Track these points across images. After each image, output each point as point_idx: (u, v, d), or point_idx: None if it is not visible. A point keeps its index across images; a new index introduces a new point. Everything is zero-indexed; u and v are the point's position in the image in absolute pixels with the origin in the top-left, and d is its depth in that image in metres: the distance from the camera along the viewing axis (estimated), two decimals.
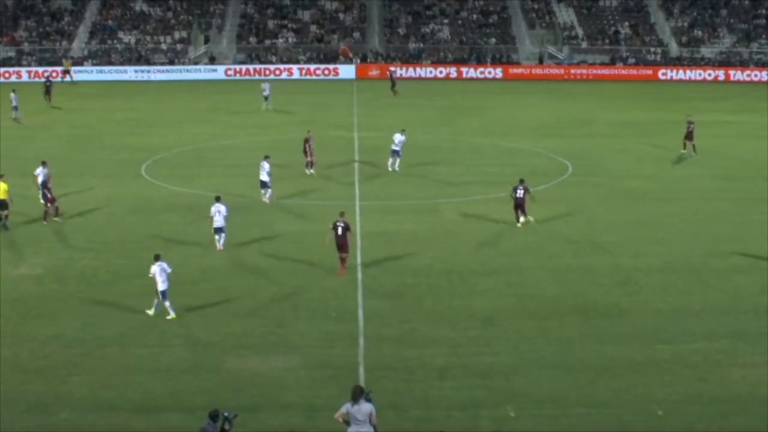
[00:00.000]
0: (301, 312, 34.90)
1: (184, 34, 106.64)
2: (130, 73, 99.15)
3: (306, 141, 55.60)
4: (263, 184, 49.34)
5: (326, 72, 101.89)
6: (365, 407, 23.00)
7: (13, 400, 28.43)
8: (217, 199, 42.08)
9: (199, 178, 53.71)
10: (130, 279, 38.50)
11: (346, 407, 23.07)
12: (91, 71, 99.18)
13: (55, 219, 46.19)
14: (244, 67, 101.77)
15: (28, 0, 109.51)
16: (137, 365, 30.77)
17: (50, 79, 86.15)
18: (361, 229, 44.86)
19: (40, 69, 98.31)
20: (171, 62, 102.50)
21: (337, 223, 39.12)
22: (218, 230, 41.75)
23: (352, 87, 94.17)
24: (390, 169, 56.75)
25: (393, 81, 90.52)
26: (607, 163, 59.93)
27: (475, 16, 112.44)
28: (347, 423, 23.09)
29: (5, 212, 45.52)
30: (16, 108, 73.46)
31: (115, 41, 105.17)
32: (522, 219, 45.74)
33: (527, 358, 31.04)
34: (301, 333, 32.97)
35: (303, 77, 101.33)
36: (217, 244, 41.86)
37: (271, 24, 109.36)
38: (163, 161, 59.13)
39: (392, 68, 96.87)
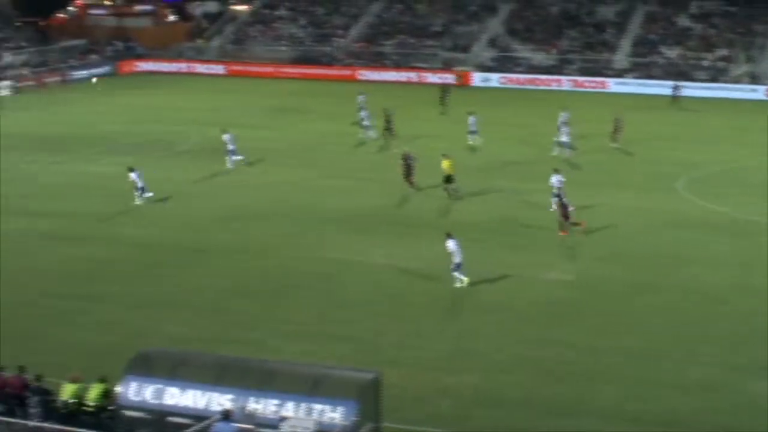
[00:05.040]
0: None
1: (725, 51, 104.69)
2: (669, 88, 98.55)
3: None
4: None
5: None
6: None
7: (536, 402, 29.19)
8: (449, 236, 39.28)
9: (733, 197, 52.45)
10: (655, 293, 38.76)
11: None
12: (631, 84, 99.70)
13: (574, 226, 46.02)
14: None
15: (573, 11, 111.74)
16: (663, 379, 30.88)
17: (446, 86, 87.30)
18: None
19: (580, 78, 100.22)
20: (713, 79, 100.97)
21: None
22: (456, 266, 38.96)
23: None
24: None
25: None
26: None
27: None
28: None
29: (453, 185, 51.44)
30: (363, 109, 71.10)
31: (656, 55, 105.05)
32: None
33: None
34: None
35: None
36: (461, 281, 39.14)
37: None
38: (698, 178, 58.24)
39: None
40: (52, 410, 26.75)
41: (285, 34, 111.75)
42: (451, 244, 38.89)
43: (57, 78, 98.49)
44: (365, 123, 68.38)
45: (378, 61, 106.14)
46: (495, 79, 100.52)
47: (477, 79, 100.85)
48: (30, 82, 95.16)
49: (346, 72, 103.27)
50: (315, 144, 66.97)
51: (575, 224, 45.60)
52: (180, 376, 25.55)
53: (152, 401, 25.31)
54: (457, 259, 38.79)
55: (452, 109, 76.53)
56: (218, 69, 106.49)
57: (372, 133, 67.91)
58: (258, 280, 40.33)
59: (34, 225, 47.66)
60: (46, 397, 26.90)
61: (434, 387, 30.22)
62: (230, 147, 59.17)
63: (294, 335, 34.34)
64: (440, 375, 31.09)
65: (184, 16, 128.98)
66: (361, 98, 72.38)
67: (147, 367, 25.98)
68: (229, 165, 58.83)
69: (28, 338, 33.90)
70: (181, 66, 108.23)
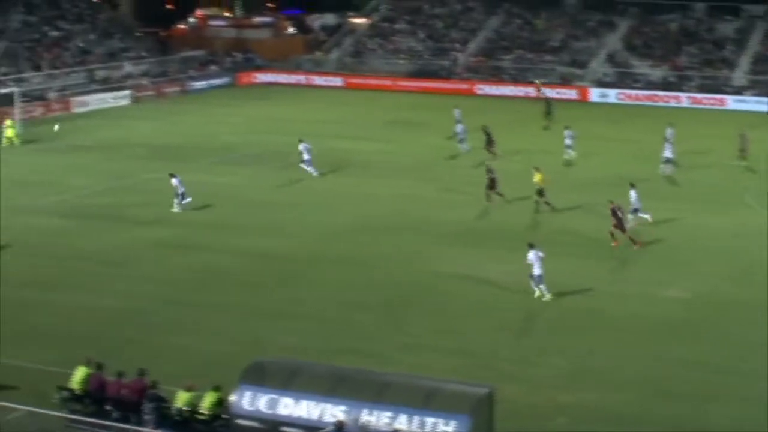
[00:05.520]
0: None
1: None
2: None
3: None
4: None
5: None
6: None
7: (653, 421, 28.97)
8: (531, 246, 39.45)
9: None
10: None
11: None
12: (750, 101, 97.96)
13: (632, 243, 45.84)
14: None
15: (692, 27, 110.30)
16: None
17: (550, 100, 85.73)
18: None
19: (699, 95, 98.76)
20: None
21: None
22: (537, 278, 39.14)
23: None
24: None
25: None
26: None
27: None
28: None
29: (543, 199, 51.74)
30: (459, 122, 70.77)
31: None
32: None
33: None
34: None
35: None
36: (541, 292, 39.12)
37: None
38: None
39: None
40: (165, 417, 26.98)
41: (403, 48, 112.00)
42: (531, 256, 38.65)
43: (176, 88, 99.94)
44: (461, 136, 68.63)
45: (496, 75, 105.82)
46: (613, 95, 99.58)
47: (595, 94, 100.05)
48: (149, 92, 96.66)
49: (464, 86, 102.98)
50: (430, 158, 66.90)
51: (633, 241, 45.66)
52: (294, 386, 25.62)
53: (266, 411, 25.41)
54: (536, 271, 38.59)
55: (558, 124, 75.39)
56: (336, 81, 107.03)
57: (466, 146, 68.09)
58: (372, 291, 40.37)
59: (149, 234, 48.28)
60: (161, 404, 27.15)
61: (550, 404, 29.93)
62: (306, 157, 59.75)
63: (408, 347, 34.31)
64: (556, 392, 30.79)
65: (303, 28, 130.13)
66: (456, 112, 72.60)
67: (261, 376, 26.10)
68: (311, 172, 59.61)
69: (143, 346, 34.29)
70: (300, 78, 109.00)
